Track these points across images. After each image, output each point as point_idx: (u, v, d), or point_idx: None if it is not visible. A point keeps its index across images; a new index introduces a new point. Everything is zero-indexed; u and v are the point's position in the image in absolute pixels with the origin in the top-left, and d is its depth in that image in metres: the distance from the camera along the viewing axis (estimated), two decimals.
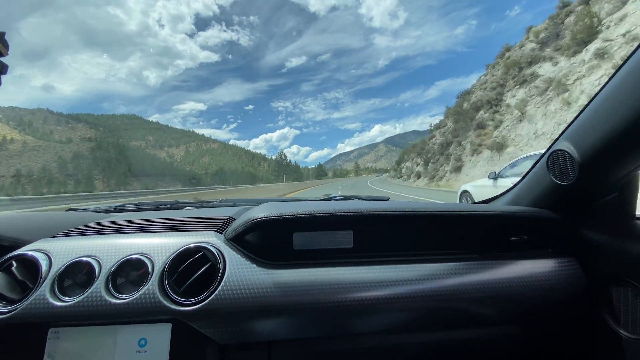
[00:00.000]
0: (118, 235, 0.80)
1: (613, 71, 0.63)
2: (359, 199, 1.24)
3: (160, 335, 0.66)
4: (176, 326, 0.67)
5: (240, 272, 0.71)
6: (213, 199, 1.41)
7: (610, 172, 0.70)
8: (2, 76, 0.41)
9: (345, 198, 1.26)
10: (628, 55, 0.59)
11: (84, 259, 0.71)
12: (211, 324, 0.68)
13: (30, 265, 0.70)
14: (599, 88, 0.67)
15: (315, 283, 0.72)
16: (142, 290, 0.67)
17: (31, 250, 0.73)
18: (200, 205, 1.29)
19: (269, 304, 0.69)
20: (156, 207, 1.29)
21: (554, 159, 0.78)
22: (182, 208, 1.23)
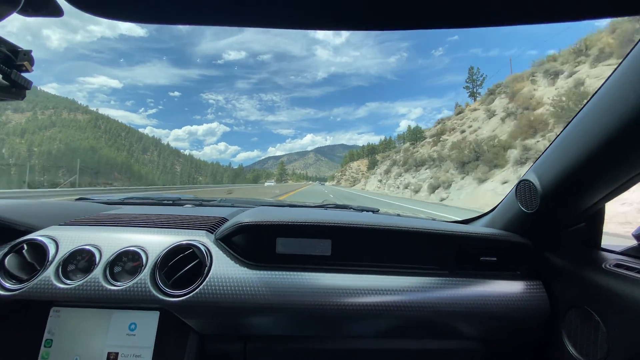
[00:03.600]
0: (119, 227, 0.87)
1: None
2: (352, 208, 1.32)
3: (148, 322, 0.72)
4: (163, 314, 0.73)
5: (224, 270, 0.76)
6: (213, 197, 1.47)
7: (570, 205, 0.74)
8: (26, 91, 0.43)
9: (337, 207, 1.34)
10: (589, 97, 0.63)
11: (87, 247, 0.77)
12: (193, 315, 0.73)
13: (39, 250, 0.77)
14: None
15: (292, 285, 0.76)
16: (135, 280, 0.73)
17: (41, 235, 0.80)
18: (200, 203, 1.34)
19: (248, 302, 0.73)
20: (159, 202, 1.34)
21: (521, 188, 0.83)
22: (182, 205, 1.28)
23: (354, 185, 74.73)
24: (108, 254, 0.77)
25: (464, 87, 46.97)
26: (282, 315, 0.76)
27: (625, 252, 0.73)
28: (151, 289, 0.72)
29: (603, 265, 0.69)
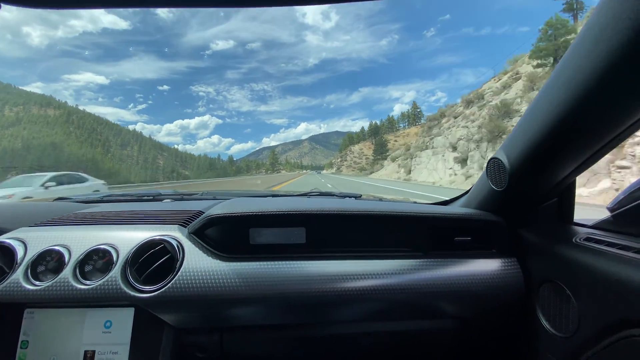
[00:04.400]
0: (91, 226, 0.86)
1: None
2: (336, 195, 1.33)
3: (124, 318, 0.72)
4: (138, 311, 0.73)
5: (196, 263, 0.76)
6: (195, 191, 1.44)
7: (539, 180, 0.73)
8: None
9: (321, 194, 1.36)
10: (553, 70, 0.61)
11: (56, 247, 0.77)
12: (166, 310, 0.73)
13: (7, 252, 0.76)
14: None
15: (265, 275, 0.76)
16: (106, 278, 0.72)
17: (9, 238, 0.79)
18: (181, 197, 1.32)
19: (220, 294, 0.73)
20: (139, 199, 1.33)
21: (490, 166, 0.82)
22: (161, 200, 1.27)
23: (370, 174, 54.89)
24: (78, 253, 0.76)
25: None
26: (256, 305, 0.76)
27: (597, 226, 0.74)
28: (122, 286, 0.71)
29: (574, 240, 0.70)
